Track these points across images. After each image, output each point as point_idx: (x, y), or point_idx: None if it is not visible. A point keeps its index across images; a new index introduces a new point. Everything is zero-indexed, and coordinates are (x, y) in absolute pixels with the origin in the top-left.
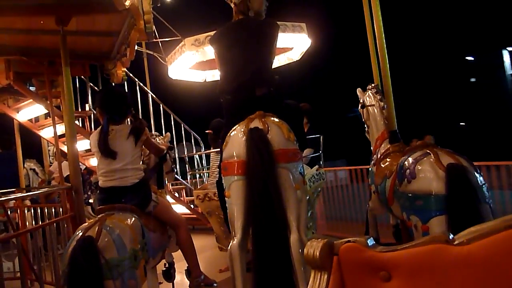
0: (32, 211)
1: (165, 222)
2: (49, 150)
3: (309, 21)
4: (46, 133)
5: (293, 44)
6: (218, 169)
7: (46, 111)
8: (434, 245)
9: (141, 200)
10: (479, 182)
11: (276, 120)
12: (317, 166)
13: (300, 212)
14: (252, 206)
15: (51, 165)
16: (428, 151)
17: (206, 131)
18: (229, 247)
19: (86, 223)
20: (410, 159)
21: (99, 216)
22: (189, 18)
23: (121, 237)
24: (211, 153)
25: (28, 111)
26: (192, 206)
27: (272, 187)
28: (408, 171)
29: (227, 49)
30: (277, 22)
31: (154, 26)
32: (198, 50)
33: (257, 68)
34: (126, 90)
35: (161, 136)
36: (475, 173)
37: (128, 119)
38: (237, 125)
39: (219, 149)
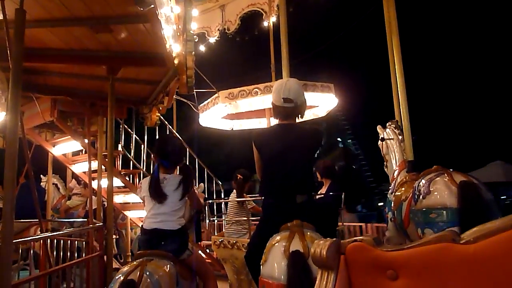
0: (55, 242)
1: (196, 271)
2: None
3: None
4: (77, 168)
5: (320, 103)
6: (234, 220)
7: (79, 148)
8: (440, 244)
9: (178, 247)
10: (489, 198)
11: (315, 237)
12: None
13: None
14: None
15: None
16: (442, 171)
17: (237, 175)
18: None
19: (126, 267)
20: (424, 180)
21: (138, 260)
22: (222, 69)
23: (160, 283)
24: (228, 202)
25: (63, 146)
26: (207, 250)
27: None
28: (423, 189)
29: (272, 154)
30: (308, 82)
31: (194, 80)
32: (230, 103)
33: (300, 177)
34: (157, 133)
35: (196, 186)
36: (486, 190)
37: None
38: (278, 238)
39: (237, 199)
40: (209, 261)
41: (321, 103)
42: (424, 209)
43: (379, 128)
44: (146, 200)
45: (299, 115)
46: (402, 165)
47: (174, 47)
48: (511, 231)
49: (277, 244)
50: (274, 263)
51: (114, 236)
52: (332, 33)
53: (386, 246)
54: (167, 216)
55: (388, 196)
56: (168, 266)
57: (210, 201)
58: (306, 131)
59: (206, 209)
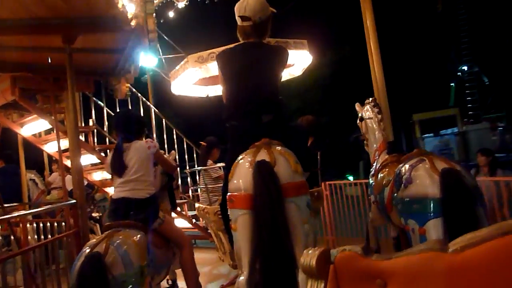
0: (35, 225)
1: (170, 240)
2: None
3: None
4: (50, 148)
5: (295, 61)
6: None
7: (50, 126)
8: (429, 252)
9: (148, 216)
10: (473, 185)
11: (283, 150)
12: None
13: (308, 246)
14: (260, 242)
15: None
16: (424, 158)
17: (200, 142)
18: (236, 284)
19: (94, 239)
20: (407, 166)
21: (106, 232)
22: (192, 35)
23: (128, 254)
24: (201, 171)
25: (32, 126)
26: (194, 220)
27: (280, 222)
28: (404, 176)
29: (234, 73)
30: (280, 39)
31: (158, 44)
32: (201, 67)
33: (264, 95)
34: (130, 105)
35: (167, 154)
36: (469, 177)
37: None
38: (243, 155)
39: (207, 166)
40: (196, 230)
41: (296, 61)
42: (407, 199)
43: (357, 106)
44: (114, 176)
45: (262, 33)
46: (382, 146)
47: (129, 8)
48: (497, 240)
49: (242, 160)
50: (240, 176)
51: (97, 214)
52: None
53: (375, 255)
54: (136, 183)
55: (370, 178)
56: (137, 235)
57: (189, 170)
58: (269, 48)
59: (188, 178)
